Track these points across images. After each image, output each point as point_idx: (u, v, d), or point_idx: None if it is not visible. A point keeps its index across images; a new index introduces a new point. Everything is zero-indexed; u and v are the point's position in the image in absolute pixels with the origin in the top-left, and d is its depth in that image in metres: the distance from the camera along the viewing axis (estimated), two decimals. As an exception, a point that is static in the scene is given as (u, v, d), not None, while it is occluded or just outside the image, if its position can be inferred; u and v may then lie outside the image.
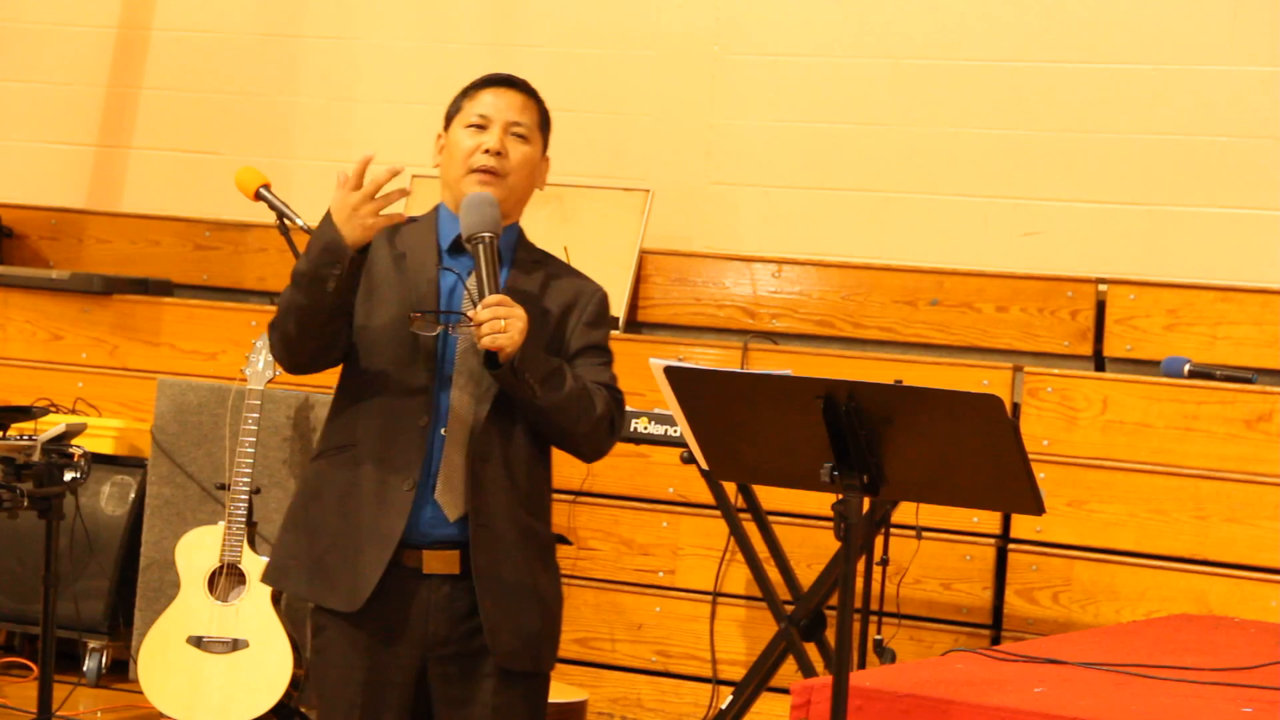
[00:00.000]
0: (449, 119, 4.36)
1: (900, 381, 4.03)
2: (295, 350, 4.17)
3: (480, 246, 4.09)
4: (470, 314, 4.06)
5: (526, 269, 4.27)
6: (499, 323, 4.01)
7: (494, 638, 4.14)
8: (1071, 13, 7.65)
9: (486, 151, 4.21)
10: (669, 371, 3.81)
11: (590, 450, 4.22)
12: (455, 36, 8.54)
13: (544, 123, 4.39)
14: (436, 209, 4.35)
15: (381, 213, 4.06)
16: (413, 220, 4.35)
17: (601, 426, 4.17)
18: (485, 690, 4.17)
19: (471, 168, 4.22)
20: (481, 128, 4.25)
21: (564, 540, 4.39)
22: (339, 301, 4.09)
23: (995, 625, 6.95)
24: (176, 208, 8.80)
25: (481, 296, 4.05)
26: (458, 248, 4.22)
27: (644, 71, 8.24)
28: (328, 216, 4.11)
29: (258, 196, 6.29)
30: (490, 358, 4.06)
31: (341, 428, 4.21)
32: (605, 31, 8.30)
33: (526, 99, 4.34)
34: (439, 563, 4.13)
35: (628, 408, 6.74)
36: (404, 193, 4.17)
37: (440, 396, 4.14)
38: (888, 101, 7.87)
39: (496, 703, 4.16)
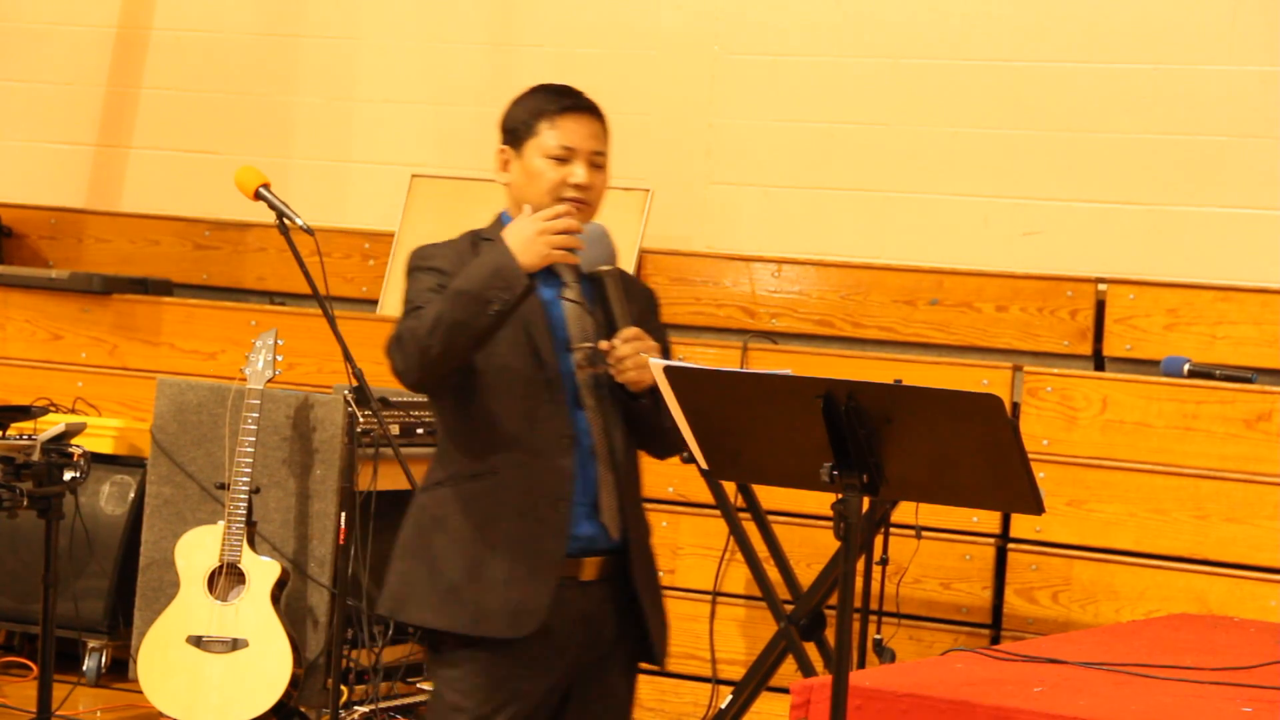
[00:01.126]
0: (518, 137, 4.27)
1: (900, 381, 4.03)
2: (433, 368, 4.05)
3: (608, 279, 4.13)
4: (604, 345, 4.10)
5: (604, 275, 4.24)
6: (641, 356, 4.06)
7: (655, 633, 4.29)
8: (1071, 13, 7.65)
9: (576, 186, 4.21)
10: (668, 371, 3.80)
11: (674, 444, 4.19)
12: (455, 36, 8.54)
13: (609, 140, 4.37)
14: (505, 225, 4.26)
15: (556, 250, 4.05)
16: (481, 237, 4.28)
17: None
18: (621, 685, 4.29)
19: (560, 198, 4.20)
20: (565, 160, 4.22)
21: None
22: (497, 326, 4.03)
23: (995, 625, 6.95)
24: (176, 207, 8.80)
25: (614, 329, 4.09)
26: (548, 270, 4.16)
27: (644, 71, 8.24)
28: (500, 241, 4.08)
29: (257, 196, 6.30)
30: (625, 387, 4.10)
31: (472, 454, 4.14)
32: (605, 31, 8.30)
33: (602, 124, 4.32)
34: (594, 570, 4.16)
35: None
36: (576, 241, 4.12)
37: (577, 418, 4.13)
38: (888, 101, 7.87)
39: (627, 696, 4.31)
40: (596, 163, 4.25)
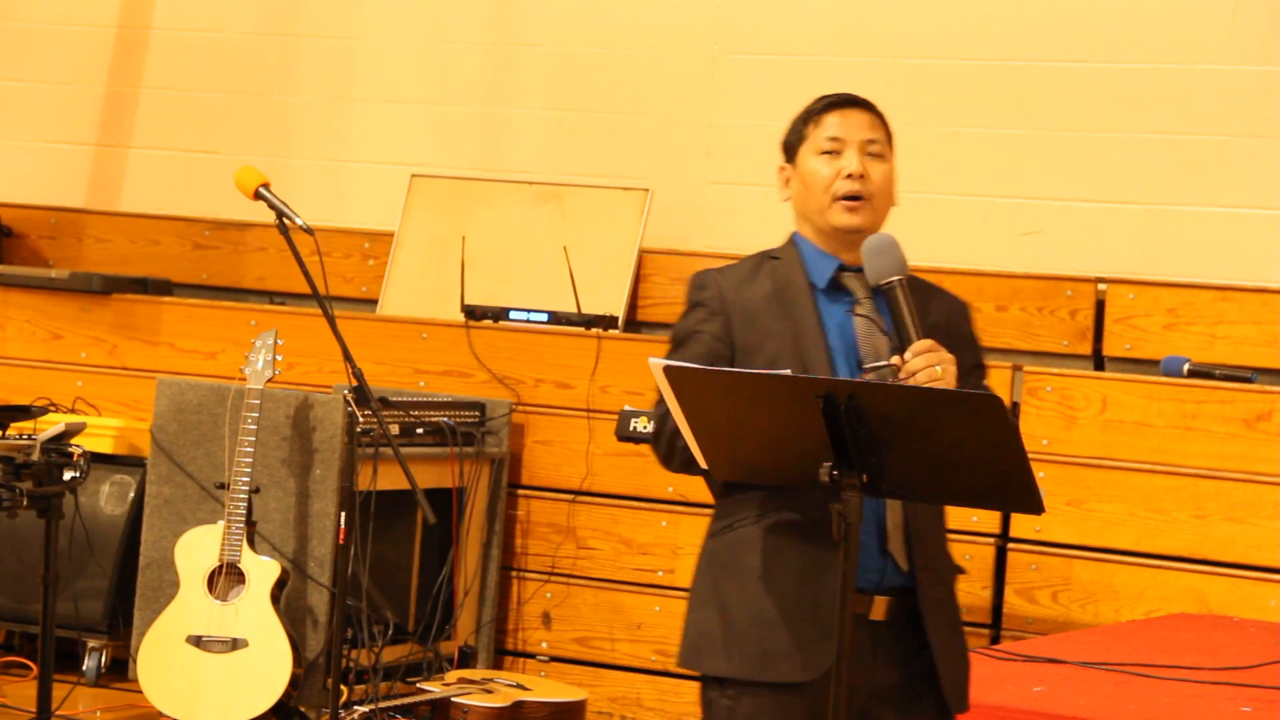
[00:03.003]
0: (792, 148, 4.13)
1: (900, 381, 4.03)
2: (684, 470, 3.95)
3: (898, 290, 3.86)
4: (895, 361, 3.85)
5: (904, 292, 3.95)
6: (935, 370, 3.80)
7: (946, 679, 3.92)
8: (1071, 13, 7.65)
9: (849, 176, 3.99)
10: (668, 371, 3.80)
11: None
12: (455, 36, 8.54)
13: (889, 136, 4.11)
14: (795, 243, 4.08)
15: None
16: (770, 256, 4.08)
17: None
18: None
19: (835, 195, 3.99)
20: (835, 153, 4.03)
21: (960, 570, 4.19)
22: None
23: (995, 625, 6.95)
24: (176, 207, 8.81)
25: (906, 343, 3.84)
26: (835, 286, 4.01)
27: (644, 71, 8.24)
28: None
29: (257, 196, 6.30)
30: None
31: (756, 495, 3.95)
32: (605, 31, 8.30)
33: (873, 115, 4.10)
34: (885, 608, 3.91)
35: (626, 407, 6.79)
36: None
37: None
38: (887, 101, 7.84)
39: None
40: (872, 151, 4.03)
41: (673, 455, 3.96)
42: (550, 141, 8.39)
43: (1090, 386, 6.95)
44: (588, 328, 7.63)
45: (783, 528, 3.93)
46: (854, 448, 3.63)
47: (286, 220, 6.17)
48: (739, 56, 8.10)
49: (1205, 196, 7.46)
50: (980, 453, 3.61)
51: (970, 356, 4.01)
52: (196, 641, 6.64)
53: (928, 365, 3.80)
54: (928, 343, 3.82)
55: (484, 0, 8.53)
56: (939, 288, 4.10)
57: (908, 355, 3.82)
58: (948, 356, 3.82)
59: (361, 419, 6.45)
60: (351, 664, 6.75)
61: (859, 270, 3.97)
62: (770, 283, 4.02)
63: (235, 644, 6.61)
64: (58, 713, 6.41)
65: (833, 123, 4.07)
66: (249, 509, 6.64)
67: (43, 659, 5.90)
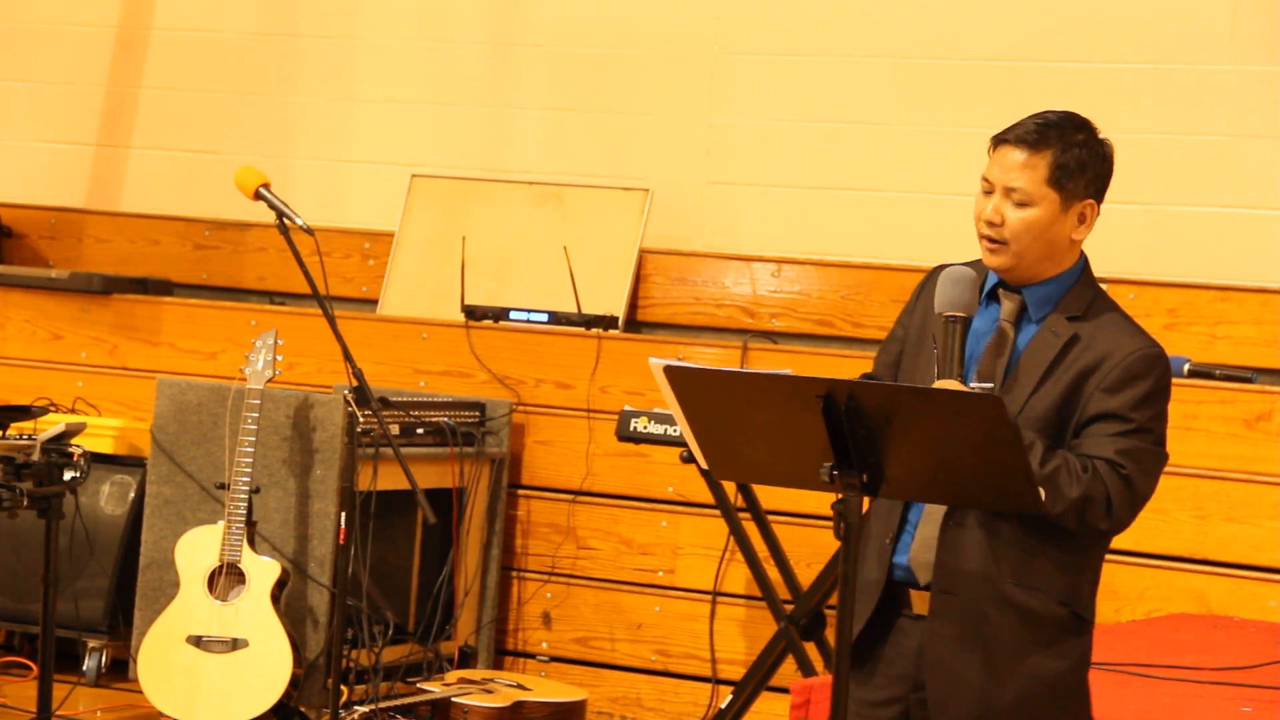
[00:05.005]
0: None
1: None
2: None
3: (954, 326, 3.87)
4: (992, 389, 3.88)
5: (1054, 329, 3.94)
6: None
7: (937, 708, 3.91)
8: (1071, 13, 7.65)
9: (987, 221, 3.96)
10: (668, 371, 3.80)
11: (1075, 527, 3.86)
12: (455, 36, 8.53)
13: (1065, 172, 3.98)
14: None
15: None
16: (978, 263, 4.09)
17: (1081, 511, 3.82)
18: None
19: (979, 234, 4.00)
20: (989, 192, 3.98)
21: (1081, 617, 4.00)
22: None
23: (995, 625, 6.94)
24: (176, 207, 8.80)
25: (943, 374, 3.86)
26: (993, 297, 4.01)
27: (644, 71, 8.24)
28: None
29: (257, 196, 6.31)
30: None
31: None
32: (605, 31, 8.30)
33: (1029, 155, 3.95)
34: (924, 604, 3.93)
35: (626, 407, 6.78)
36: None
37: None
38: (888, 101, 7.87)
39: None
40: (1015, 199, 3.94)
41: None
42: (550, 141, 8.39)
43: (1090, 386, 6.94)
44: (588, 328, 7.63)
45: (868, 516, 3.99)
46: (854, 448, 3.63)
47: (287, 220, 6.17)
48: (739, 56, 8.10)
49: (1205, 196, 7.46)
50: (980, 453, 3.61)
51: (1101, 404, 3.88)
52: (197, 641, 6.64)
53: None
54: (941, 384, 3.82)
55: (484, 0, 8.53)
56: (1130, 329, 3.97)
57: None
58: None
59: (362, 419, 6.45)
60: (352, 664, 6.75)
61: (1016, 291, 3.98)
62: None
63: (235, 644, 6.62)
64: (58, 713, 6.41)
65: (992, 160, 4.00)
66: (249, 509, 6.64)
67: (43, 659, 5.90)
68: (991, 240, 3.95)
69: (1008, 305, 3.98)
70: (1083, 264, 4.03)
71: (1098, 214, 4.05)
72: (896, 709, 3.97)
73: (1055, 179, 3.96)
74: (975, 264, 4.03)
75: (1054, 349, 3.92)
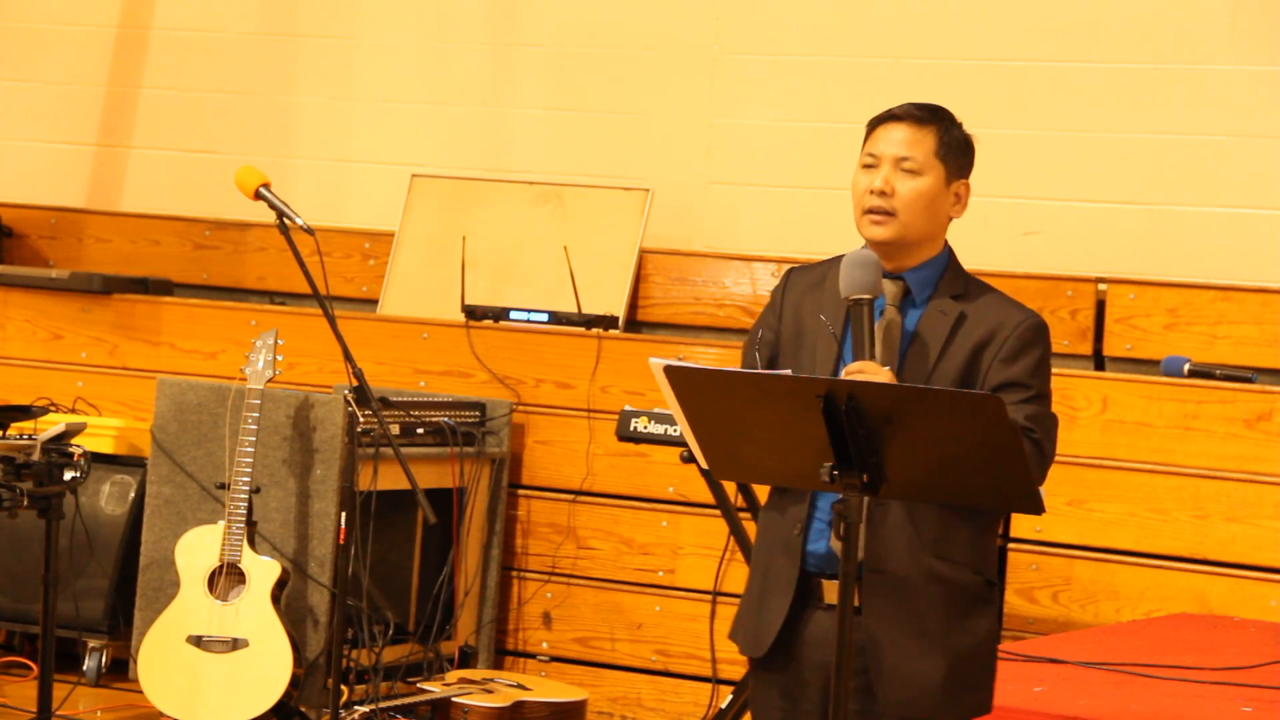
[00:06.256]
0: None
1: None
2: None
3: (862, 309, 3.95)
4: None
5: (941, 308, 4.08)
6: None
7: (881, 684, 3.96)
8: (1071, 13, 7.65)
9: (872, 192, 4.07)
10: (669, 371, 3.80)
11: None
12: (455, 36, 8.54)
13: (949, 148, 4.15)
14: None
15: None
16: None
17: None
18: None
19: (863, 209, 4.08)
20: (872, 167, 4.11)
21: (992, 584, 4.15)
22: None
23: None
24: (176, 207, 8.81)
25: (858, 357, 3.93)
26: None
27: (644, 71, 8.24)
28: None
29: (257, 196, 6.31)
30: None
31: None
32: (605, 31, 8.31)
33: (916, 129, 4.14)
34: (835, 593, 3.90)
35: (627, 407, 6.78)
36: None
37: None
38: (888, 101, 7.83)
39: None
40: (906, 168, 4.09)
41: None
42: (550, 141, 8.39)
43: (1091, 386, 6.95)
44: (588, 328, 7.63)
45: (771, 508, 4.10)
46: (854, 448, 3.64)
47: (287, 220, 6.17)
48: (739, 56, 8.10)
49: (1205, 196, 7.46)
50: (980, 453, 3.62)
51: (1001, 373, 4.05)
52: (197, 641, 6.64)
53: None
54: (857, 365, 3.90)
55: (484, 0, 8.53)
56: (1011, 303, 4.14)
57: (843, 373, 3.91)
58: (881, 375, 3.87)
59: (362, 419, 6.45)
60: (352, 664, 6.75)
61: (898, 277, 4.08)
62: (828, 280, 4.13)
63: (236, 644, 6.62)
64: (58, 713, 6.41)
65: (875, 137, 4.15)
66: (249, 509, 6.64)
67: (43, 659, 5.90)
68: (879, 212, 4.06)
69: (892, 290, 4.08)
70: (949, 249, 4.17)
71: (969, 195, 4.20)
72: (818, 699, 4.02)
73: (942, 153, 4.13)
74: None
75: (946, 326, 4.05)
